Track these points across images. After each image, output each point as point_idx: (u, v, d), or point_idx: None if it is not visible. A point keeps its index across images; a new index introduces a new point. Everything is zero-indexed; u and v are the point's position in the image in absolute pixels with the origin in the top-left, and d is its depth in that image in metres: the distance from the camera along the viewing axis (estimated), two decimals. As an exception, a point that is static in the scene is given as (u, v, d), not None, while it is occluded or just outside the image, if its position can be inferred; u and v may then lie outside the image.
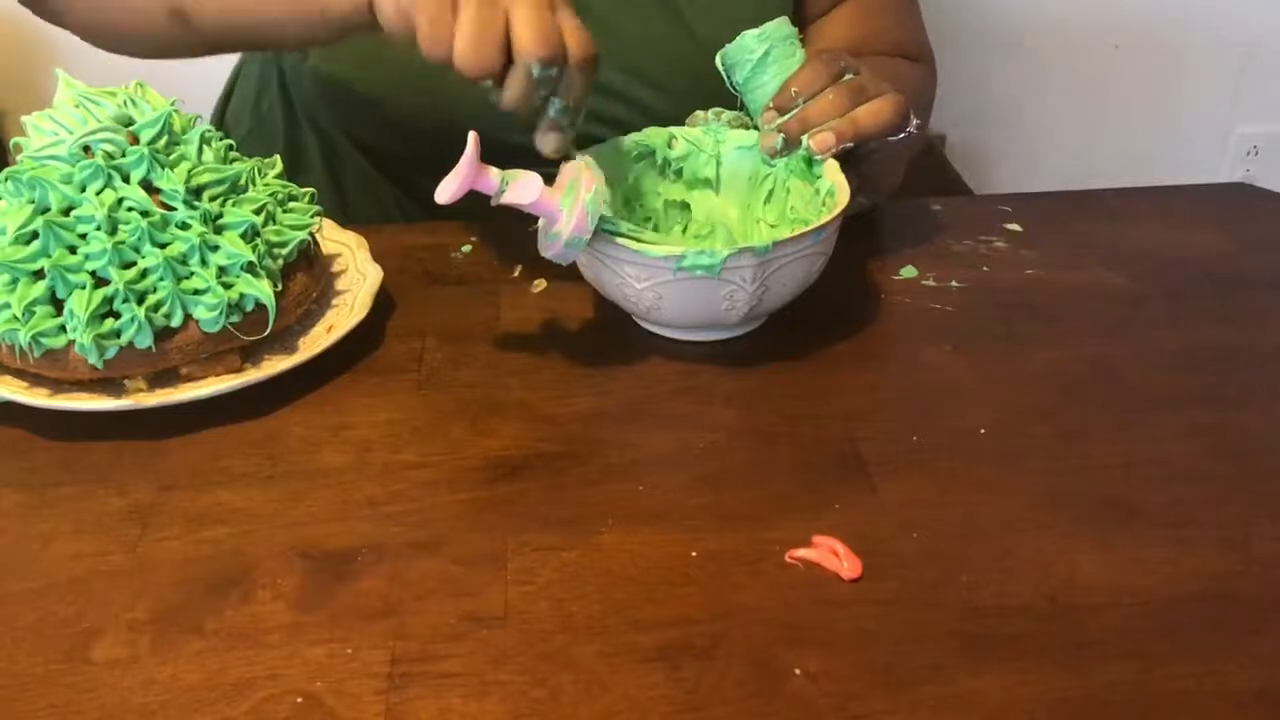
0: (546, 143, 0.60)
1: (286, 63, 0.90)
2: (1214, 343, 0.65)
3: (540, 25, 0.56)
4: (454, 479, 0.55)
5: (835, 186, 0.63)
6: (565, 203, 0.59)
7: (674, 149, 0.71)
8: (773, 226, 0.69)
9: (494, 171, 0.58)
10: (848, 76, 0.66)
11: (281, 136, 0.91)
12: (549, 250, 0.60)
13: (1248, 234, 0.78)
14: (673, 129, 0.71)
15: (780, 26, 0.68)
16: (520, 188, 0.59)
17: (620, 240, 0.59)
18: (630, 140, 0.70)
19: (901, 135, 0.66)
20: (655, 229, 0.70)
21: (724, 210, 0.71)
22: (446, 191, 0.57)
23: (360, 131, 0.87)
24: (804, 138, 0.65)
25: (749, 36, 0.67)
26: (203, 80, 1.01)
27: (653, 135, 0.70)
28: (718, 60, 0.68)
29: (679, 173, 0.71)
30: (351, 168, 0.89)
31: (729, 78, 0.69)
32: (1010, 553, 0.50)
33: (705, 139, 0.71)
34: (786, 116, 0.65)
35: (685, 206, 0.72)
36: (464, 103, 0.67)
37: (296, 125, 0.91)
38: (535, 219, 0.61)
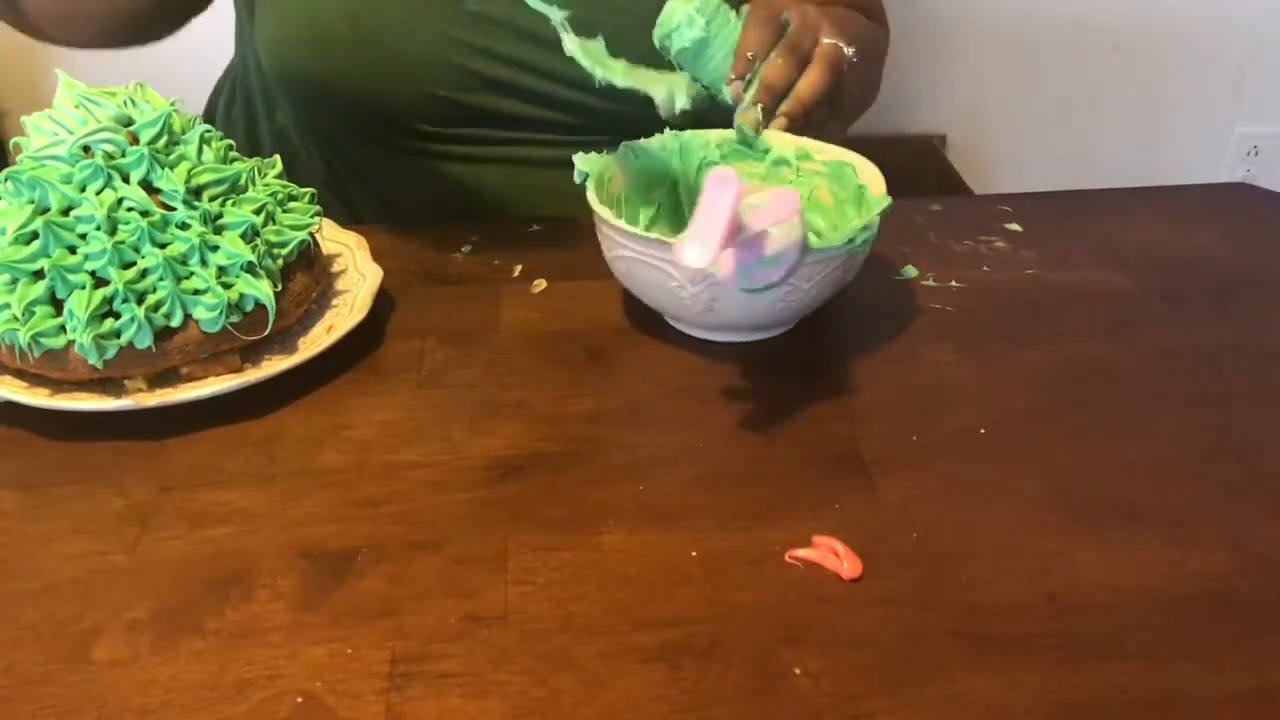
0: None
1: (250, 65, 0.91)
2: (1214, 343, 0.65)
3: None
4: (454, 479, 0.55)
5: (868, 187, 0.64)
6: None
7: (718, 149, 0.71)
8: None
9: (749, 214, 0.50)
10: (787, 19, 0.65)
11: (245, 145, 0.92)
12: (756, 276, 0.54)
13: (1248, 234, 0.78)
14: (711, 132, 0.71)
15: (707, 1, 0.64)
16: (774, 206, 0.51)
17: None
18: (665, 140, 0.70)
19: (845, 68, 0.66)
20: None
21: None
22: (705, 255, 0.48)
23: (317, 116, 0.87)
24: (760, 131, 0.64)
25: (679, 12, 0.63)
26: (203, 81, 1.01)
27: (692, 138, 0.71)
28: (656, 40, 0.64)
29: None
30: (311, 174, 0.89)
31: (669, 53, 0.65)
32: (1010, 553, 0.50)
33: (754, 139, 0.70)
34: (753, 88, 0.63)
35: None
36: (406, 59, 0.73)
37: (258, 136, 0.93)
38: (539, 219, 0.61)
